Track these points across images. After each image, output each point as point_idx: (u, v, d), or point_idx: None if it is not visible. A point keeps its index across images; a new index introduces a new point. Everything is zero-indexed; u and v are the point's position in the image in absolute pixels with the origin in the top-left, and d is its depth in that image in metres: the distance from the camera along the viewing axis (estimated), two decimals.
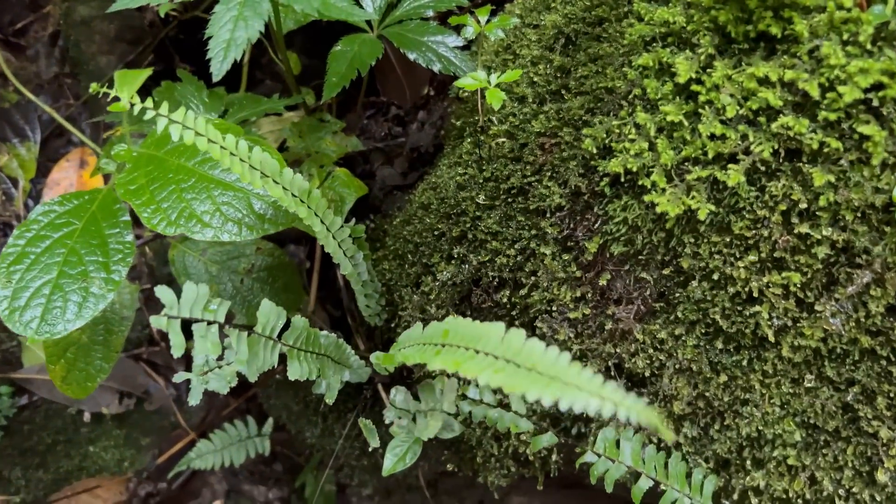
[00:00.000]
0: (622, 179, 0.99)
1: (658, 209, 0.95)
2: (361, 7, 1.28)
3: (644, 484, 1.05)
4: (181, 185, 1.13)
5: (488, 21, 1.09)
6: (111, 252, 1.20)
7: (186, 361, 2.00)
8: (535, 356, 0.77)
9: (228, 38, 0.87)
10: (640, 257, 1.04)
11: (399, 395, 1.12)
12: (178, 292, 1.05)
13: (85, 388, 1.42)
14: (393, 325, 1.39)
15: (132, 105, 1.20)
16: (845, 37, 0.84)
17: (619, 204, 1.02)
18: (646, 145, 0.95)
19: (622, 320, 1.08)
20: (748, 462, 1.12)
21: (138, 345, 1.98)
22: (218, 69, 0.86)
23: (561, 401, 0.73)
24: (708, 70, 0.90)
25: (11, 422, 1.90)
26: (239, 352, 0.92)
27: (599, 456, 1.07)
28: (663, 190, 0.95)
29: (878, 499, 1.06)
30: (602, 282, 1.07)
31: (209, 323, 0.87)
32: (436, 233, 1.27)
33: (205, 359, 1.14)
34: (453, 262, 1.23)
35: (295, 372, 1.01)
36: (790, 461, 1.09)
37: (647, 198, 0.96)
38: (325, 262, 1.74)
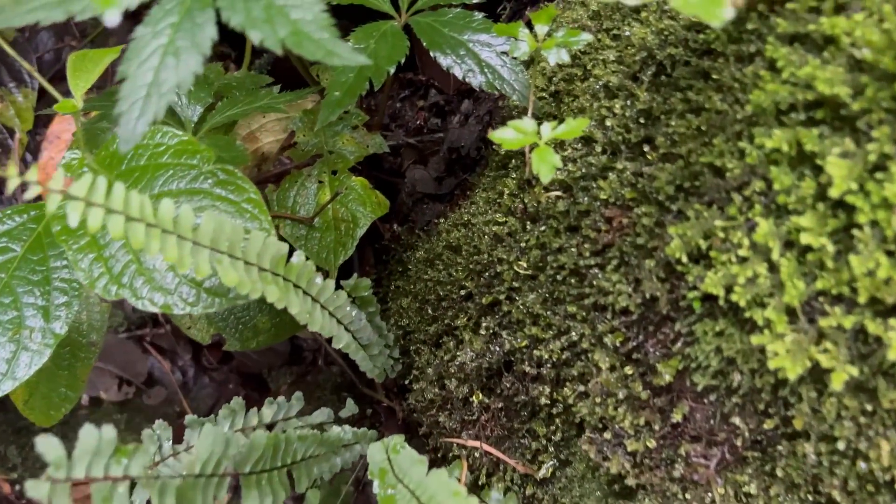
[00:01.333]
0: (720, 301, 0.68)
1: (771, 364, 0.64)
2: None
3: None
4: None
5: (549, 34, 0.77)
6: (53, 293, 0.96)
7: (193, 346, 1.80)
8: None
9: (150, 81, 0.58)
10: (734, 399, 0.74)
11: None
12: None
13: (49, 416, 1.22)
14: (407, 381, 1.13)
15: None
16: None
17: (711, 327, 0.71)
18: (763, 268, 0.63)
19: (699, 467, 0.79)
20: None
21: (141, 325, 1.77)
22: (130, 133, 0.58)
23: None
24: (877, 175, 0.57)
25: (6, 398, 1.74)
26: None
27: None
28: (781, 335, 0.64)
29: None
30: (676, 416, 0.78)
31: (116, 480, 0.63)
32: (462, 291, 0.98)
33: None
34: (481, 335, 0.95)
35: None
36: None
37: (755, 340, 0.65)
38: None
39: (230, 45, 1.55)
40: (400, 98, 1.34)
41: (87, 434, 0.62)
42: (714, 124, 0.68)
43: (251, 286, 0.74)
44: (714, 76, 0.70)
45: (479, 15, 0.92)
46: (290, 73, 1.47)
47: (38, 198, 0.65)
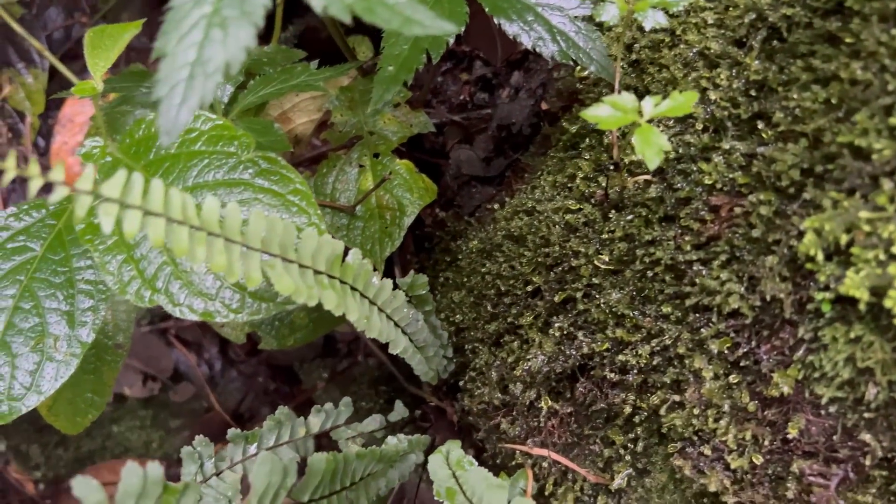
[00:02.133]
0: (860, 305, 0.58)
1: None
2: None
3: None
4: None
5: None
6: (78, 296, 0.86)
7: (220, 339, 1.71)
8: None
9: (193, 59, 0.48)
10: (864, 412, 0.64)
11: None
12: None
13: (75, 423, 1.13)
14: (462, 381, 1.03)
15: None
16: None
17: (843, 332, 0.61)
18: None
19: (815, 487, 0.70)
20: None
21: (165, 317, 1.69)
22: (172, 122, 0.48)
23: None
24: None
25: None
26: None
27: None
28: None
29: None
30: (792, 432, 0.68)
31: None
32: (529, 287, 0.88)
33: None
34: (552, 335, 0.85)
35: None
36: None
37: None
38: None
39: None
40: (441, 71, 1.23)
41: (131, 473, 0.53)
42: (853, 97, 0.57)
43: (307, 292, 0.65)
44: (848, 40, 0.60)
45: None
46: (319, 45, 1.36)
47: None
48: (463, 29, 0.81)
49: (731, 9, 0.70)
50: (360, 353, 1.55)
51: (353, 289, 0.73)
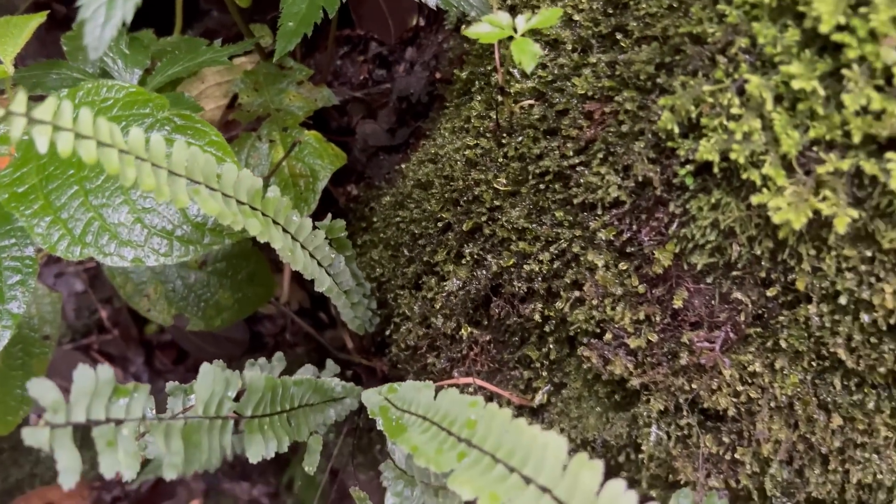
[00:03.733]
0: (715, 169, 0.69)
1: (775, 217, 0.64)
2: None
3: None
4: (86, 186, 0.81)
5: None
6: (5, 273, 0.89)
7: (146, 349, 1.72)
8: None
9: None
10: (733, 272, 0.74)
11: (401, 452, 0.85)
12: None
13: (6, 422, 1.13)
14: (388, 332, 1.10)
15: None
16: None
17: (706, 201, 0.71)
18: (757, 123, 0.64)
19: (703, 351, 0.79)
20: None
21: (86, 333, 1.68)
22: (96, 40, 0.53)
23: None
24: (861, 10, 0.58)
25: None
26: (171, 450, 0.63)
27: None
28: (780, 189, 0.64)
29: None
30: (677, 302, 0.78)
31: (118, 423, 0.58)
32: (440, 223, 0.96)
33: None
34: (465, 263, 0.93)
35: (257, 451, 0.73)
36: None
37: (755, 199, 0.66)
38: None
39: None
40: (339, 56, 1.31)
41: (83, 375, 0.57)
42: None
43: (232, 217, 0.70)
44: None
45: None
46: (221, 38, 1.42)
47: None
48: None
49: None
50: (287, 345, 1.59)
51: (275, 222, 0.79)
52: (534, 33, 0.83)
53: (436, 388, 0.76)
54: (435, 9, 0.87)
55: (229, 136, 1.23)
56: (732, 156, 0.64)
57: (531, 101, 0.83)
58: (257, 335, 1.63)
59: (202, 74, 1.20)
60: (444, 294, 0.94)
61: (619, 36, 0.75)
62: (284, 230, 0.80)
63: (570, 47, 0.79)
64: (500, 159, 0.86)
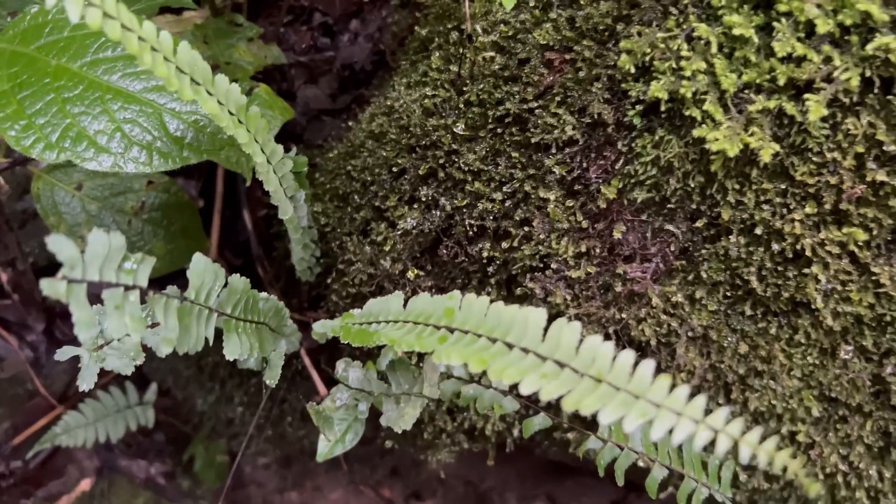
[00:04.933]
0: (661, 108, 0.80)
1: (712, 146, 0.76)
2: None
3: (658, 474, 0.89)
4: (63, 95, 0.82)
5: None
6: None
7: (46, 317, 1.65)
8: (602, 362, 0.57)
9: None
10: (667, 206, 0.86)
11: (352, 371, 0.89)
12: (45, 235, 0.76)
13: None
14: (329, 280, 1.14)
15: None
16: None
17: (650, 139, 0.82)
18: (702, 65, 0.75)
19: (636, 280, 0.90)
20: None
21: None
22: None
23: (655, 426, 0.54)
24: None
25: None
26: (167, 326, 0.65)
27: (605, 442, 0.90)
28: (718, 123, 0.76)
29: (888, 475, 0.96)
30: (616, 234, 0.88)
31: (127, 288, 0.61)
32: (394, 169, 1.02)
33: (98, 330, 0.86)
34: (418, 206, 1.00)
35: (234, 350, 0.76)
36: (800, 437, 0.97)
37: (696, 132, 0.77)
38: (225, 200, 1.45)
39: None
40: (284, 24, 1.35)
41: (97, 239, 0.60)
42: None
43: (227, 121, 0.74)
44: None
45: None
46: None
47: None
48: None
49: None
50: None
51: (255, 140, 0.83)
52: None
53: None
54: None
55: None
56: (682, 91, 0.75)
57: (494, 54, 0.92)
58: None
59: None
60: (398, 234, 1.00)
61: None
62: (262, 150, 0.84)
63: (532, 4, 0.89)
64: (461, 105, 0.95)
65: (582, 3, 0.85)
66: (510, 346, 0.64)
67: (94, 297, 0.60)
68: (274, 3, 1.36)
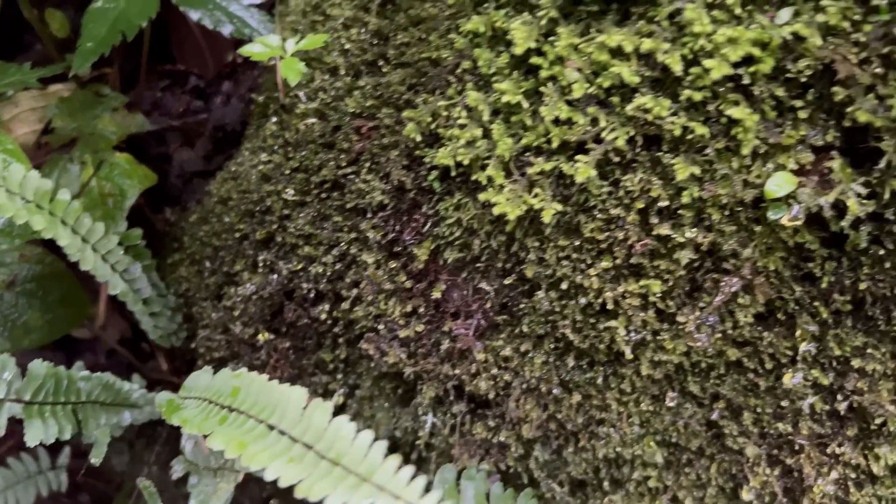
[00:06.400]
0: (453, 173, 0.81)
1: (495, 210, 0.77)
2: None
3: None
4: None
5: None
6: None
7: None
8: (342, 443, 0.58)
9: None
10: (478, 265, 0.87)
11: (189, 443, 0.90)
12: None
13: None
14: (193, 345, 1.15)
15: None
16: None
17: (451, 202, 0.83)
18: (479, 132, 0.77)
19: (460, 338, 0.90)
20: (606, 483, 0.99)
21: None
22: None
23: None
24: (551, 38, 0.72)
25: None
26: None
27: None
28: (501, 187, 0.77)
29: None
30: (436, 294, 0.89)
31: None
32: (237, 234, 1.04)
33: None
34: (260, 271, 1.01)
35: (36, 435, 0.76)
36: (651, 482, 0.97)
37: (482, 196, 0.78)
38: None
39: None
40: (161, 88, 1.37)
41: None
42: (430, 27, 0.81)
43: (14, 211, 0.75)
44: None
45: None
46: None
47: None
48: (154, 16, 0.98)
49: None
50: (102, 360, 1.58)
51: (64, 223, 0.84)
52: (317, 61, 0.94)
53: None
54: (229, 37, 0.97)
55: (44, 160, 1.26)
56: (459, 159, 0.76)
57: (314, 120, 0.94)
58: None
59: (16, 99, 1.23)
60: (239, 300, 1.01)
61: (381, 64, 0.87)
62: (74, 231, 0.85)
63: (343, 72, 0.91)
64: (288, 171, 0.96)
65: (384, 70, 0.87)
66: (270, 427, 0.64)
67: None
68: (153, 69, 1.39)
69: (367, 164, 0.88)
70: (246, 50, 0.79)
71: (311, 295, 0.98)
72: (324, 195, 0.93)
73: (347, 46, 0.91)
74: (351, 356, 1.03)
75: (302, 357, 1.07)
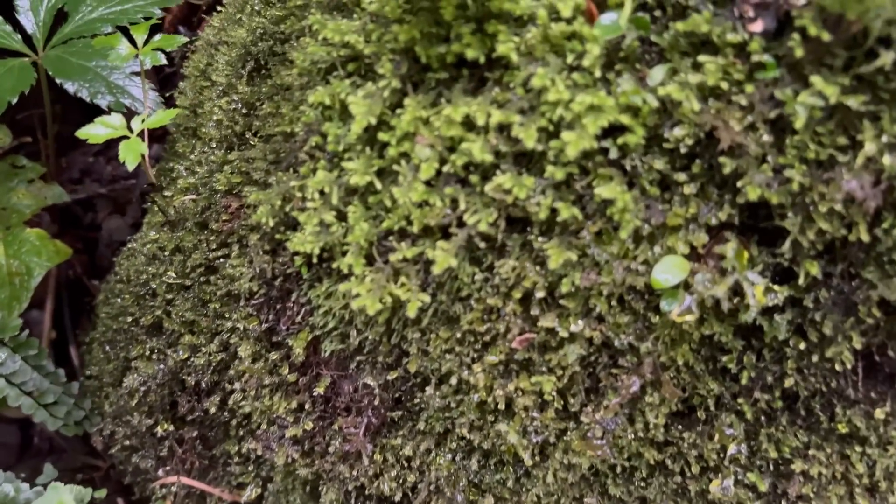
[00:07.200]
0: (315, 260, 0.71)
1: (354, 304, 0.67)
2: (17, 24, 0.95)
3: None
4: None
5: (147, 41, 0.79)
6: None
7: None
8: None
9: None
10: (359, 357, 0.77)
11: None
12: None
13: None
14: (105, 432, 1.07)
15: None
16: (569, 59, 0.58)
17: (321, 290, 0.74)
18: (331, 216, 0.67)
19: (350, 437, 0.80)
20: None
21: None
22: None
23: None
24: (398, 111, 0.63)
25: None
26: None
27: None
28: (363, 276, 0.67)
29: None
30: (319, 388, 0.79)
31: None
32: (129, 318, 0.96)
33: None
34: (153, 357, 0.93)
35: None
36: None
37: (341, 287, 0.69)
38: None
39: None
40: (93, 153, 1.32)
41: None
42: (285, 98, 0.73)
43: None
44: (290, 58, 0.76)
45: None
46: None
47: None
48: (27, 91, 0.91)
49: (234, 47, 0.85)
50: (62, 450, 1.52)
51: None
52: (202, 130, 0.86)
53: None
54: (91, 102, 0.89)
55: None
56: (308, 248, 0.67)
57: (192, 197, 0.86)
58: (28, 437, 1.56)
59: None
60: (137, 388, 0.93)
61: (248, 135, 0.79)
62: None
63: (215, 145, 0.83)
64: (167, 253, 0.88)
65: (252, 143, 0.79)
66: None
67: None
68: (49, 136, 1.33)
69: (237, 248, 0.79)
70: (83, 132, 0.71)
71: (202, 386, 0.89)
72: (201, 280, 0.85)
73: (219, 117, 0.83)
74: (256, 448, 0.94)
75: (212, 447, 0.98)
